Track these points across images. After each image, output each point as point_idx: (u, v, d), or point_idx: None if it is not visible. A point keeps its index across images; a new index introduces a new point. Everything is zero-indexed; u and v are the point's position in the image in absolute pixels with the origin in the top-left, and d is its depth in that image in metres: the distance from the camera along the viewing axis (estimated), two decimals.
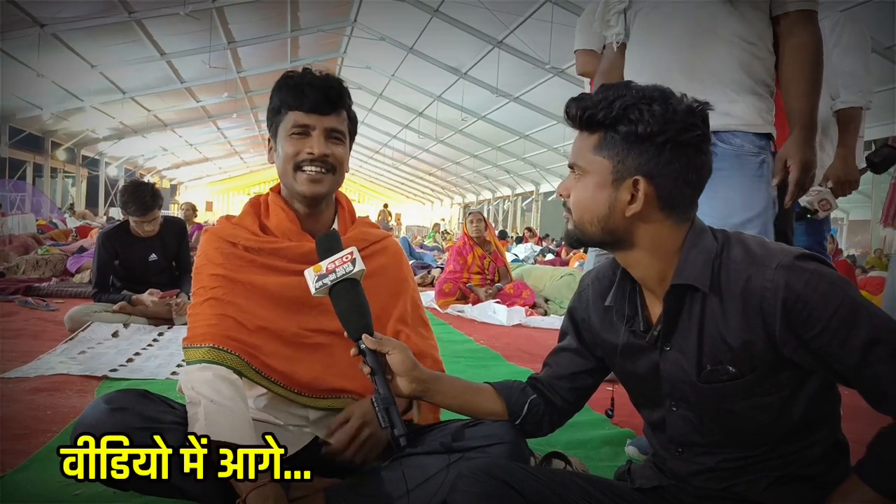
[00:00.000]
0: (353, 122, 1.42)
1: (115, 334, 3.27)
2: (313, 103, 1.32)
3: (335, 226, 1.44)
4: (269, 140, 1.41)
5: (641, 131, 0.95)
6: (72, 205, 17.36)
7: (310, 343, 1.37)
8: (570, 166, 1.04)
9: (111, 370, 2.58)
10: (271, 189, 1.45)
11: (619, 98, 0.97)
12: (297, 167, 1.34)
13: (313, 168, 1.33)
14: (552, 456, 1.42)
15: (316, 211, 1.42)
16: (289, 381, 1.35)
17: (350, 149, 1.42)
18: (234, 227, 1.40)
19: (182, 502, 1.26)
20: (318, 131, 1.33)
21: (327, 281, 1.13)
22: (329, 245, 1.18)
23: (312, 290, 1.14)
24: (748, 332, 0.96)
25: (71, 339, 3.16)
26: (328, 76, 1.36)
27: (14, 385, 2.29)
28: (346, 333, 1.14)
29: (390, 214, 22.30)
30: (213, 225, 1.50)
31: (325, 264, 1.15)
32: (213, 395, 1.22)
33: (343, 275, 1.13)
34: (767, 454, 1.02)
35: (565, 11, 9.10)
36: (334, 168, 1.35)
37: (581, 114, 1.00)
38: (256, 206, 1.44)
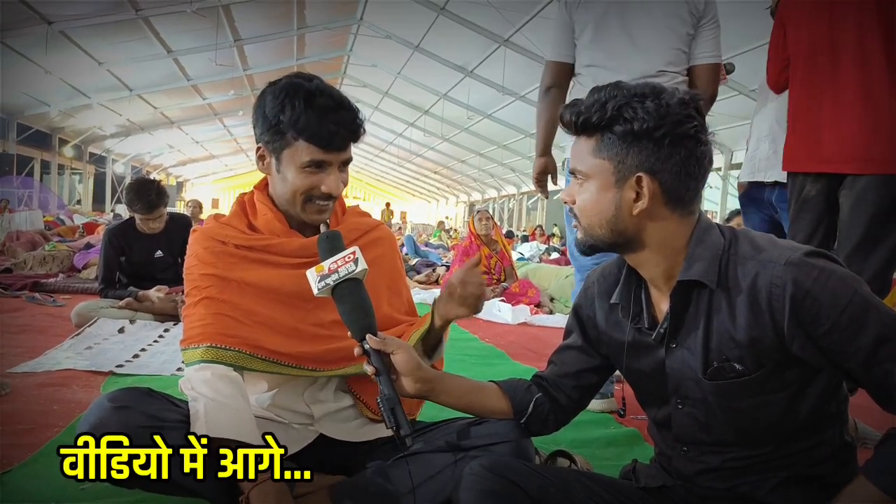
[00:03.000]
0: None
1: (121, 330, 3.28)
2: (339, 144, 1.23)
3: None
4: (258, 148, 1.30)
5: (637, 128, 0.95)
6: (79, 201, 17.42)
7: (310, 333, 1.34)
8: (572, 172, 1.04)
9: (117, 366, 2.59)
10: (255, 187, 1.39)
11: (612, 99, 0.97)
12: (309, 200, 1.28)
13: (323, 202, 1.29)
14: (557, 454, 1.42)
15: None
16: (298, 361, 1.32)
17: None
18: (222, 227, 1.36)
19: (188, 499, 1.26)
20: (335, 166, 1.26)
21: (330, 281, 1.12)
22: (331, 245, 1.16)
23: (315, 291, 1.13)
24: (756, 329, 0.95)
25: (77, 334, 3.17)
26: (344, 100, 1.25)
27: (21, 380, 2.30)
28: (349, 334, 1.13)
29: (392, 213, 22.25)
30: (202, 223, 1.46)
31: (327, 264, 1.13)
32: (212, 393, 1.21)
33: (346, 275, 1.11)
34: (773, 454, 1.01)
35: None
36: (338, 195, 1.32)
37: (575, 119, 1.00)
38: (243, 205, 1.40)
